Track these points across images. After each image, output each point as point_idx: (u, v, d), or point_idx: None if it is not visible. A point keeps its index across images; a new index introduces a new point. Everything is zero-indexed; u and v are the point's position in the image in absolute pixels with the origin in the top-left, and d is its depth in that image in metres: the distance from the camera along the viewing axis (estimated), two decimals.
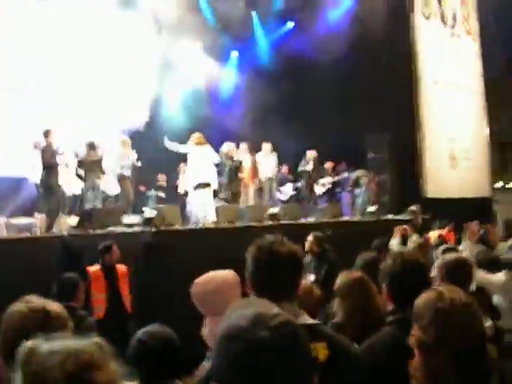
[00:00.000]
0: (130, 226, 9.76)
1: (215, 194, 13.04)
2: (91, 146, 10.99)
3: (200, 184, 10.90)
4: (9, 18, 12.51)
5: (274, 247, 2.23)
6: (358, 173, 14.81)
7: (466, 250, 5.34)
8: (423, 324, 1.99)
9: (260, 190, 14.20)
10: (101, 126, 13.06)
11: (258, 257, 2.22)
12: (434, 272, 3.70)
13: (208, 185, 11.00)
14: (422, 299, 2.06)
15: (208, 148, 11.21)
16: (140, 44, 13.88)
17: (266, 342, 1.24)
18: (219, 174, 13.15)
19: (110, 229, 9.04)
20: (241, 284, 2.61)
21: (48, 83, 12.98)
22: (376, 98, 14.09)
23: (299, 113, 15.25)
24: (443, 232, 9.26)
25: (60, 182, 10.69)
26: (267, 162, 13.88)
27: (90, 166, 10.89)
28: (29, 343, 1.21)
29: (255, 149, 13.95)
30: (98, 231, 8.72)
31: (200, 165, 10.94)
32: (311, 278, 6.94)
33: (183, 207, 11.82)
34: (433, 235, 8.12)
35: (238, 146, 13.13)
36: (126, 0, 13.53)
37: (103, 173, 11.15)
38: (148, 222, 9.09)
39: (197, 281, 2.81)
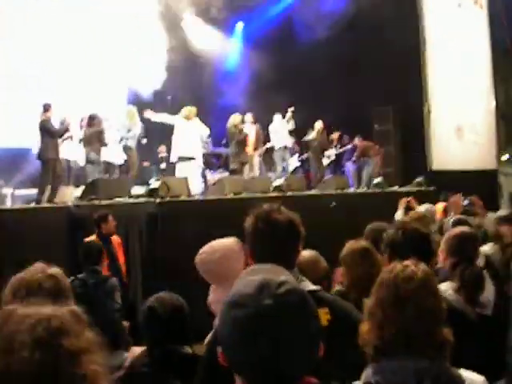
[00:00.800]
0: (135, 196, 9.78)
1: (223, 165, 13.14)
2: (91, 118, 10.93)
3: (182, 157, 11.19)
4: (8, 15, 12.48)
5: (271, 216, 2.23)
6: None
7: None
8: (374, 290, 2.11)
9: (265, 160, 14.24)
10: (108, 96, 13.08)
11: (255, 226, 2.23)
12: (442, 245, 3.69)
13: (191, 158, 11.25)
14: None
15: (196, 122, 11.52)
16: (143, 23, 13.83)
17: (271, 309, 1.26)
18: (226, 145, 13.20)
19: (116, 200, 9.05)
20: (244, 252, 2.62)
21: (53, 61, 12.98)
22: (382, 69, 13.98)
23: (305, 85, 15.14)
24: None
25: (64, 154, 10.71)
26: (282, 131, 13.83)
27: (88, 139, 10.83)
28: (8, 307, 1.20)
29: (260, 120, 13.89)
30: (104, 202, 8.73)
31: (184, 139, 11.19)
32: None
33: None
34: (438, 207, 8.07)
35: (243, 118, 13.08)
36: None
37: (104, 145, 11.12)
38: (153, 192, 9.09)
39: (202, 249, 2.83)
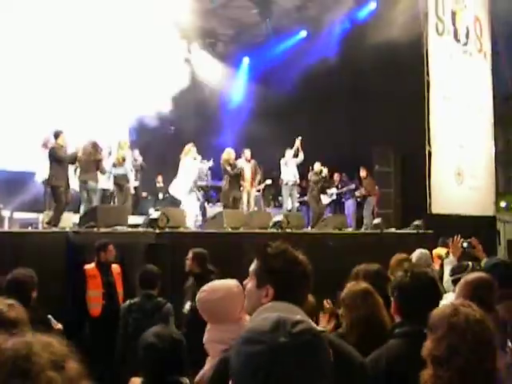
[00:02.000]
0: (134, 226, 9.80)
1: (215, 199, 13.24)
2: (92, 146, 10.99)
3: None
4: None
5: (289, 254, 2.27)
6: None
7: (448, 265, 5.27)
8: (437, 337, 2.02)
9: (266, 196, 14.30)
10: (110, 123, 13.20)
11: (281, 265, 2.25)
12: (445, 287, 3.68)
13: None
14: (438, 312, 2.09)
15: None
16: (154, 45, 13.98)
17: (285, 347, 1.29)
18: (219, 179, 13.29)
19: (115, 228, 9.07)
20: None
21: (57, 83, 13.05)
22: (384, 109, 14.15)
23: (306, 121, 15.30)
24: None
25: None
26: (290, 167, 13.91)
27: (86, 166, 10.88)
28: None
29: (263, 154, 13.97)
30: (103, 229, 8.74)
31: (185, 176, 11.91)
32: (187, 305, 5.88)
33: None
34: (437, 251, 8.10)
35: (240, 153, 13.19)
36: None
37: (103, 172, 11.20)
38: (152, 222, 9.11)
39: (203, 288, 2.87)
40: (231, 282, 2.85)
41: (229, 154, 12.55)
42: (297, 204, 14.50)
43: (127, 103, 13.61)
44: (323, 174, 14.19)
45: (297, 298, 2.14)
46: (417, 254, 6.59)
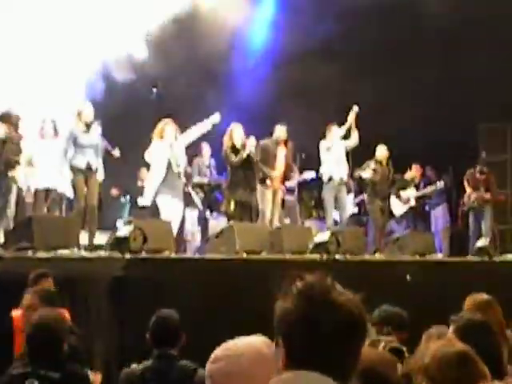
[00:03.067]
0: (92, 248, 9.86)
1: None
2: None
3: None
4: None
5: (326, 297, 2.26)
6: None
7: None
8: None
9: (300, 201, 14.27)
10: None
11: (299, 311, 2.25)
12: None
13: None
14: None
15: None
16: None
17: None
18: (220, 173, 13.29)
19: (60, 252, 9.15)
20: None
21: None
22: (498, 67, 14.15)
23: (369, 82, 15.30)
24: None
25: None
26: (336, 154, 13.76)
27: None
28: None
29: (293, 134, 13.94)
30: (40, 254, 8.82)
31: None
32: None
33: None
34: None
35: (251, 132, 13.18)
36: None
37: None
38: (120, 243, 9.16)
39: (218, 352, 2.85)
40: (258, 340, 2.85)
41: (234, 132, 12.60)
42: (347, 213, 14.38)
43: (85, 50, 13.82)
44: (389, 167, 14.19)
45: (331, 365, 2.14)
46: None
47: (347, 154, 13.83)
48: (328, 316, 2.22)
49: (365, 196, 14.69)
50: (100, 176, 11.81)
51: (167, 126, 11.77)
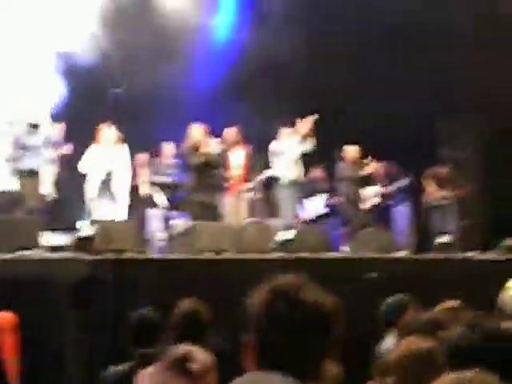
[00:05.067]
0: (51, 249, 9.87)
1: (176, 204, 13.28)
2: None
3: None
4: None
5: (298, 295, 2.32)
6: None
7: None
8: None
9: (266, 200, 14.31)
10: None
11: (269, 307, 2.31)
12: None
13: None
14: None
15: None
16: None
17: None
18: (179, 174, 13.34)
19: (18, 253, 9.20)
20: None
21: None
22: (456, 55, 14.36)
23: (328, 78, 15.41)
24: None
25: None
26: (291, 153, 13.86)
27: None
28: None
29: (254, 136, 14.01)
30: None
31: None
32: None
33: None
34: None
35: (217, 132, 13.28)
36: None
37: None
38: (83, 243, 9.20)
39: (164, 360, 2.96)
40: (201, 353, 2.93)
41: (196, 133, 12.73)
42: (312, 214, 14.52)
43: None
44: (366, 162, 14.35)
45: (298, 366, 2.21)
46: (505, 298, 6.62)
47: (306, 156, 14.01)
48: (297, 314, 2.27)
49: (337, 196, 14.83)
50: (48, 177, 11.94)
51: (103, 131, 11.94)
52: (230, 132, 13.55)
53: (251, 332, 2.35)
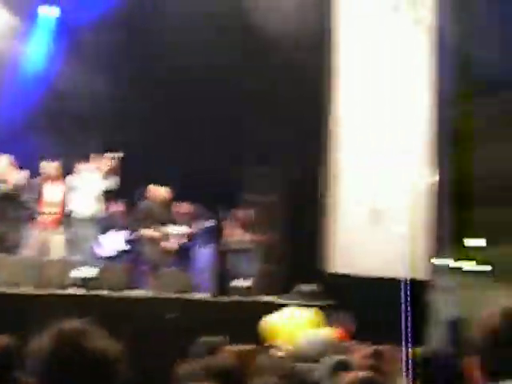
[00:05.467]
0: None
1: None
2: None
3: None
4: None
5: (79, 340, 2.39)
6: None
7: None
8: None
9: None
10: None
11: (56, 352, 2.36)
12: None
13: None
14: None
15: None
16: None
17: None
18: None
19: None
20: None
21: None
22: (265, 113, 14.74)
23: (140, 122, 15.52)
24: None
25: None
26: (87, 190, 13.75)
27: None
28: None
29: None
30: None
31: None
32: None
33: None
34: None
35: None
36: None
37: None
38: None
39: None
40: None
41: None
42: (112, 252, 14.44)
43: None
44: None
45: None
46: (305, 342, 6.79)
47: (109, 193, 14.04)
48: (77, 358, 2.33)
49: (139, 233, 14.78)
50: None
51: None
52: (49, 166, 13.38)
53: (34, 373, 2.39)
